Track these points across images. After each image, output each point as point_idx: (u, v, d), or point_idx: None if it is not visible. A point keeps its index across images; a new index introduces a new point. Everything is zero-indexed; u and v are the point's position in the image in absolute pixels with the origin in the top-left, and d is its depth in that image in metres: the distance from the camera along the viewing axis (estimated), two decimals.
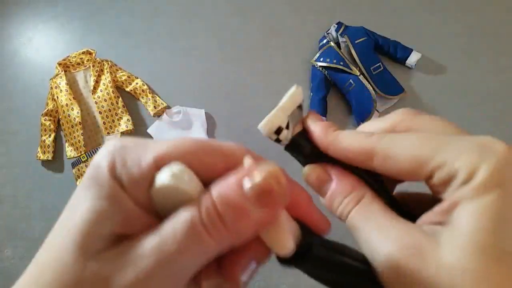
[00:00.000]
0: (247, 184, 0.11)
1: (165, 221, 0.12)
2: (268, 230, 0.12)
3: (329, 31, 0.96)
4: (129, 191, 0.12)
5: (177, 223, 0.11)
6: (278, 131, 0.21)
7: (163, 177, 0.12)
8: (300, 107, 0.23)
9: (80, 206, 0.12)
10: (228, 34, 1.05)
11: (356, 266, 0.15)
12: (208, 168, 0.13)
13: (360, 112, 0.88)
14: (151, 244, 0.11)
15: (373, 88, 0.86)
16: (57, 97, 0.98)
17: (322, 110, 0.91)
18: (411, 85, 0.94)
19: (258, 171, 0.11)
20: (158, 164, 0.12)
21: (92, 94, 0.98)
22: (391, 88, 0.88)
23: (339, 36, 0.93)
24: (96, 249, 0.11)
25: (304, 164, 0.20)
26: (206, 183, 0.12)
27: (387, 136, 0.15)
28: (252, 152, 0.15)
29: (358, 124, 0.89)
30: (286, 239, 0.12)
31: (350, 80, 0.87)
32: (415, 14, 1.01)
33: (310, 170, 0.18)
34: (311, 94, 0.94)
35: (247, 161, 0.13)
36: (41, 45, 1.12)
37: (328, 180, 0.17)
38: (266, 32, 1.04)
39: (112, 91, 0.98)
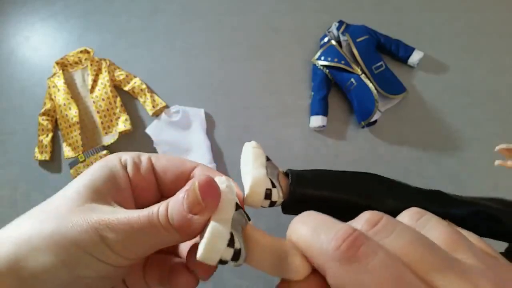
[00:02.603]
0: (185, 199, 0.15)
1: (140, 210, 0.15)
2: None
3: (330, 30, 0.95)
4: (128, 170, 0.18)
5: (143, 214, 0.15)
6: (268, 195, 0.19)
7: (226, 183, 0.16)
8: (268, 159, 0.22)
9: (84, 172, 0.17)
10: (228, 33, 1.04)
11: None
12: (175, 175, 0.19)
13: (361, 111, 0.87)
14: (123, 214, 0.15)
15: (375, 87, 0.85)
16: (55, 96, 0.97)
17: (323, 110, 0.90)
18: (413, 84, 0.93)
19: (186, 188, 0.15)
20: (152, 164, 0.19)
21: (90, 93, 0.97)
22: (393, 87, 0.87)
23: (340, 34, 0.92)
24: (90, 198, 0.16)
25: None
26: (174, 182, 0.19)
27: (343, 260, 0.11)
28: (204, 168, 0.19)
29: (359, 123, 0.88)
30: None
31: (352, 79, 0.86)
32: (417, 13, 1.00)
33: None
34: (312, 93, 0.93)
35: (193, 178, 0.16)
36: (39, 44, 1.10)
37: None
38: (267, 30, 1.03)
39: (110, 90, 0.97)
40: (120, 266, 0.15)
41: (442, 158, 0.89)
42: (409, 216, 0.14)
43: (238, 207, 0.15)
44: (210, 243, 0.13)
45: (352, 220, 0.13)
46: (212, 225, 0.14)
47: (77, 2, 1.13)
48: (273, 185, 0.20)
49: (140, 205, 0.18)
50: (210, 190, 0.15)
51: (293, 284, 0.13)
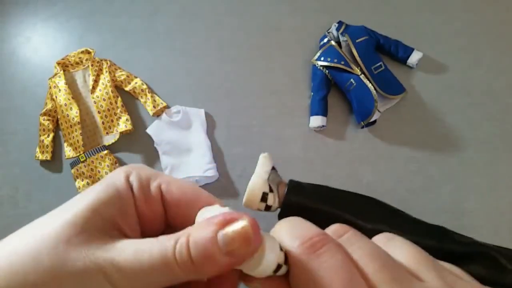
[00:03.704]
0: (221, 238, 0.13)
1: (150, 240, 0.14)
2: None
3: (330, 30, 0.95)
4: (136, 197, 0.16)
5: (155, 249, 0.13)
6: (264, 198, 0.20)
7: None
8: (274, 168, 0.23)
9: (88, 191, 0.15)
10: (228, 33, 1.04)
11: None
12: (192, 207, 0.16)
13: (361, 111, 0.87)
14: (131, 248, 0.13)
15: (374, 88, 0.85)
16: (56, 96, 0.97)
17: (323, 110, 0.91)
18: (412, 85, 0.94)
19: (232, 227, 0.13)
20: (161, 190, 0.16)
21: (91, 93, 0.97)
22: (392, 88, 0.88)
23: (340, 35, 0.92)
24: (94, 226, 0.14)
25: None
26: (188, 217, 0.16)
27: (304, 256, 0.13)
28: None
29: (359, 124, 0.89)
30: (264, 265, 0.13)
31: (351, 79, 0.87)
32: (417, 13, 1.00)
33: None
34: (312, 93, 0.93)
35: (224, 210, 0.14)
36: (40, 45, 1.11)
37: None
38: (266, 31, 1.03)
39: (111, 90, 0.97)
40: None
41: (441, 158, 0.89)
42: (379, 237, 0.15)
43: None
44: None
45: (326, 229, 0.15)
46: (263, 236, 0.13)
47: (78, 3, 1.14)
48: (271, 190, 0.21)
49: (145, 234, 0.16)
50: (260, 236, 0.13)
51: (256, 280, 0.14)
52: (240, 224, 0.13)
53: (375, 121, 0.89)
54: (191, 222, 0.15)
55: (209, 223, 0.13)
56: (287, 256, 0.13)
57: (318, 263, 0.12)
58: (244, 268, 0.13)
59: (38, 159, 0.96)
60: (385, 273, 0.12)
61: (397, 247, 0.14)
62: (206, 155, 0.91)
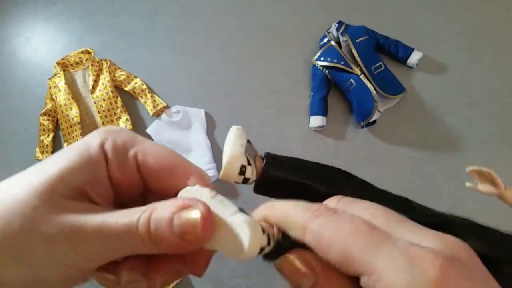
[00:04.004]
0: (176, 221, 0.13)
1: (118, 212, 0.14)
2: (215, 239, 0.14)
3: (329, 30, 0.95)
4: (110, 165, 0.16)
5: (120, 221, 0.14)
6: (242, 171, 0.20)
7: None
8: (249, 141, 0.23)
9: (59, 156, 0.15)
10: (228, 33, 1.05)
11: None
12: (170, 173, 0.17)
13: (361, 111, 0.87)
14: (98, 218, 0.14)
15: (374, 88, 0.85)
16: (56, 96, 0.97)
17: (323, 110, 0.91)
18: (412, 85, 0.94)
19: (186, 213, 0.14)
20: (138, 159, 0.16)
21: (91, 93, 0.97)
22: (392, 88, 0.88)
23: (339, 35, 0.92)
24: (60, 192, 0.14)
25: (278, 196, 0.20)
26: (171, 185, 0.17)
27: (322, 217, 0.13)
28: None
29: (359, 123, 0.89)
30: (235, 245, 0.14)
31: (351, 79, 0.87)
32: (417, 13, 1.00)
33: (283, 262, 0.15)
34: (312, 93, 0.93)
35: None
36: (40, 45, 1.11)
37: (309, 275, 0.14)
38: (266, 31, 1.03)
39: (111, 90, 0.97)
40: (87, 269, 0.15)
41: (441, 158, 0.89)
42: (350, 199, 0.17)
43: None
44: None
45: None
46: (244, 221, 0.14)
47: (78, 3, 1.14)
48: (249, 163, 0.21)
49: (120, 199, 0.17)
50: (210, 226, 0.14)
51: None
52: (193, 213, 0.13)
53: (375, 121, 0.89)
54: (170, 188, 0.17)
55: (170, 204, 0.14)
56: (269, 236, 0.14)
57: (337, 219, 0.13)
58: (225, 253, 0.14)
59: (38, 159, 0.95)
60: (389, 217, 0.14)
61: (361, 209, 0.15)
62: (206, 155, 0.91)
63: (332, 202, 0.15)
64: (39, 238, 0.13)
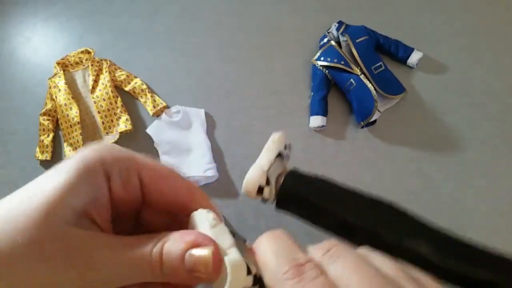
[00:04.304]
0: (187, 258, 0.14)
1: (127, 239, 0.14)
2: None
3: (329, 30, 0.95)
4: (112, 184, 0.15)
5: (134, 251, 0.14)
6: (260, 190, 0.20)
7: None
8: (279, 154, 0.22)
9: (58, 174, 0.14)
10: (228, 34, 1.04)
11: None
12: (174, 193, 0.17)
13: (361, 111, 0.87)
14: (107, 247, 0.14)
15: (374, 88, 0.85)
16: (56, 96, 0.97)
17: (323, 110, 0.91)
18: (412, 85, 0.94)
19: (199, 251, 0.14)
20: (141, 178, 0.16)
21: (91, 93, 0.97)
22: (392, 88, 0.88)
23: (340, 35, 0.92)
24: (62, 218, 0.13)
25: (302, 217, 0.19)
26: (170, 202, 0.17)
27: (295, 280, 0.13)
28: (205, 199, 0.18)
29: (359, 123, 0.89)
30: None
31: (351, 79, 0.87)
32: (417, 13, 1.00)
33: None
34: (312, 93, 0.93)
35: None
36: (40, 45, 1.11)
37: None
38: (266, 31, 1.03)
39: (111, 90, 0.97)
40: None
41: (441, 158, 0.89)
42: (362, 249, 0.15)
43: (233, 233, 0.16)
44: (236, 278, 0.14)
45: (313, 247, 0.15)
46: (228, 261, 0.14)
47: (78, 3, 1.14)
48: (267, 183, 0.20)
49: (115, 214, 0.16)
50: (220, 265, 0.14)
51: None
52: (205, 251, 0.14)
53: (375, 121, 0.89)
54: (170, 205, 0.17)
55: (182, 239, 0.15)
56: (259, 278, 0.14)
57: (338, 261, 0.13)
58: (214, 285, 0.15)
59: (38, 159, 0.95)
60: (367, 286, 0.12)
61: (375, 260, 0.14)
62: (206, 155, 0.91)
63: (323, 248, 0.14)
64: (46, 267, 0.13)
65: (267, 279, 0.14)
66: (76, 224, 0.14)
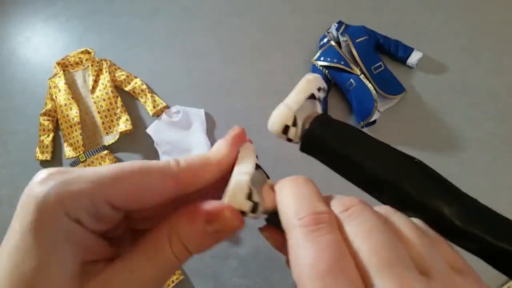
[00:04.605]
0: (208, 228, 0.15)
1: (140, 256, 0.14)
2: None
3: (329, 30, 0.95)
4: (86, 226, 0.13)
5: (158, 261, 0.14)
6: (285, 130, 0.19)
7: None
8: (312, 96, 0.21)
9: (29, 255, 0.12)
10: (228, 34, 1.04)
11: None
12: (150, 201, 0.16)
13: (361, 111, 0.87)
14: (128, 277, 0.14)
15: (374, 88, 0.85)
16: (56, 96, 0.97)
17: (322, 110, 0.90)
18: (412, 85, 0.94)
19: (219, 222, 0.15)
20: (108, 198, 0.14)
21: (91, 93, 0.97)
22: (392, 88, 0.88)
23: (339, 35, 0.92)
24: None
25: (326, 163, 0.19)
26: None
27: (307, 229, 0.13)
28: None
29: (359, 123, 0.89)
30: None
31: (351, 79, 0.87)
32: (416, 13, 1.00)
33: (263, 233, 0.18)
34: None
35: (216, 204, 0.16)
36: (40, 45, 1.11)
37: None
38: (266, 31, 1.03)
39: (111, 90, 0.97)
40: None
41: (441, 158, 0.89)
42: (379, 208, 0.15)
43: (258, 166, 0.17)
44: (232, 194, 0.15)
45: (335, 199, 0.15)
46: (234, 178, 0.15)
47: (78, 3, 1.14)
48: (294, 124, 0.20)
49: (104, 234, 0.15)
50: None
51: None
52: (224, 220, 0.15)
53: (375, 121, 0.89)
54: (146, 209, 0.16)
55: (196, 217, 0.15)
56: (255, 205, 0.15)
57: (311, 238, 0.12)
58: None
59: (38, 159, 0.95)
60: (379, 257, 0.11)
61: (395, 223, 0.14)
62: None
63: (343, 204, 0.14)
64: None
65: (283, 220, 0.14)
66: (81, 278, 0.13)
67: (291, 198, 0.14)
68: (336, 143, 0.19)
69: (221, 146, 0.18)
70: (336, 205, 0.14)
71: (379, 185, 0.16)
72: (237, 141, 0.19)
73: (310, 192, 0.15)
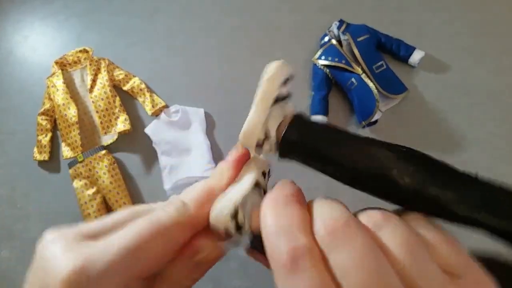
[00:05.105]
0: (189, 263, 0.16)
1: None
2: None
3: (330, 29, 0.94)
4: None
5: None
6: (259, 145, 0.18)
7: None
8: (277, 99, 0.20)
9: None
10: (228, 32, 1.04)
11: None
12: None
13: (362, 111, 0.86)
14: None
15: (376, 87, 0.84)
16: (54, 96, 0.96)
17: (323, 110, 0.90)
18: (414, 84, 0.93)
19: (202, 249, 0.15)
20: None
21: (89, 93, 0.96)
22: (394, 87, 0.87)
23: (341, 34, 0.91)
24: None
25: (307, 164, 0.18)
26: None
27: (299, 262, 0.12)
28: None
29: (360, 123, 0.88)
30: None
31: (352, 78, 0.86)
32: (418, 12, 0.99)
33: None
34: (312, 93, 0.92)
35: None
36: (38, 44, 1.10)
37: None
38: (267, 30, 1.03)
39: (109, 90, 0.96)
40: None
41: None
42: (368, 218, 0.14)
43: (258, 184, 0.17)
44: (217, 214, 0.15)
45: (318, 217, 0.14)
46: (223, 198, 0.15)
47: (77, 1, 1.13)
48: (266, 137, 0.18)
49: None
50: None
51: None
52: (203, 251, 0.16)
53: (376, 121, 0.89)
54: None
55: (187, 265, 0.16)
56: (239, 226, 0.15)
57: (292, 278, 0.12)
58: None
59: (36, 159, 0.95)
60: (416, 270, 0.12)
61: (389, 239, 0.13)
62: (205, 155, 0.90)
63: (326, 225, 0.13)
64: None
65: (267, 252, 0.14)
66: None
67: (270, 228, 0.14)
68: (315, 147, 0.18)
69: (223, 171, 0.18)
70: (319, 227, 0.13)
71: (366, 180, 0.15)
72: (240, 164, 0.18)
73: (289, 220, 0.13)
